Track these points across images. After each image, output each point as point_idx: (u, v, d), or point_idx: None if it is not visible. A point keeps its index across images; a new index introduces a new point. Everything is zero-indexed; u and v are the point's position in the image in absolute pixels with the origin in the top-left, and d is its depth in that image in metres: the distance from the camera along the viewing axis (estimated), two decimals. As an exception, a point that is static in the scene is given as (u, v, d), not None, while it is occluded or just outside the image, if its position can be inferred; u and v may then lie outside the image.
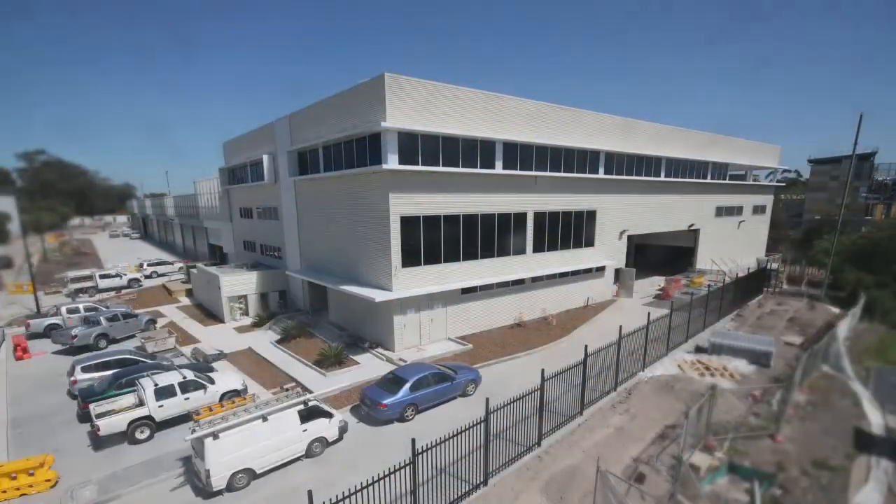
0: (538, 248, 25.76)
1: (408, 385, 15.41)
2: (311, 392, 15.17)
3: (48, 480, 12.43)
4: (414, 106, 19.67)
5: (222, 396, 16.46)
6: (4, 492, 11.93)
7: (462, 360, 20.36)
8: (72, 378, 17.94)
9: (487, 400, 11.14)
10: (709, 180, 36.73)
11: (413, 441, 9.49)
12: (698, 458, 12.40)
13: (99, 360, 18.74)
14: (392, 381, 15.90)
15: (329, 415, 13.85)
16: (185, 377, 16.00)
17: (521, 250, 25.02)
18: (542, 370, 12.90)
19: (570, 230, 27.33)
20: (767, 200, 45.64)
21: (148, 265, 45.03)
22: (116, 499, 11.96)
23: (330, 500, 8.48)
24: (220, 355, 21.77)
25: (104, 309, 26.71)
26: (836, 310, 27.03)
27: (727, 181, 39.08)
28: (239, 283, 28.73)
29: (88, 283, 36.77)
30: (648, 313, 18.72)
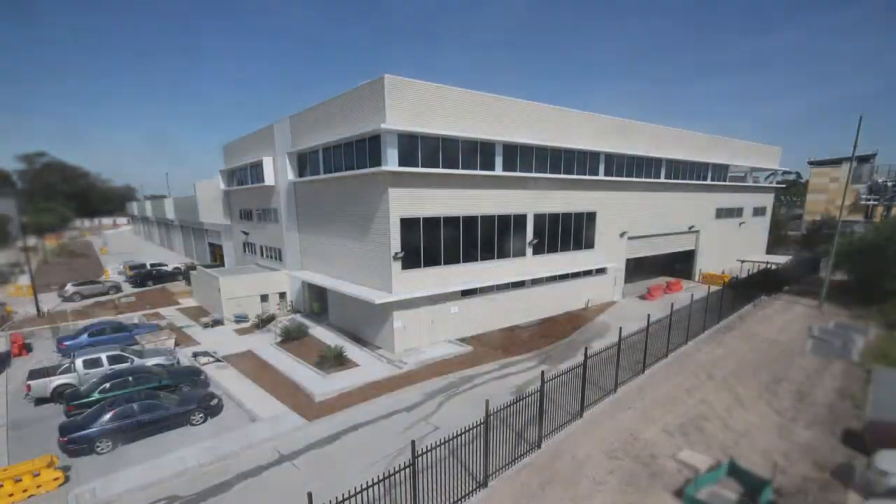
0: (538, 249, 25.76)
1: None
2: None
3: (56, 479, 12.53)
4: (414, 108, 19.70)
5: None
6: (11, 495, 11.94)
7: (462, 362, 20.37)
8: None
9: (487, 402, 11.13)
10: (709, 182, 36.76)
11: (413, 443, 9.49)
12: (697, 459, 12.39)
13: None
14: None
15: None
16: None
17: (520, 252, 25.02)
18: (542, 372, 12.90)
19: (570, 232, 27.33)
20: (768, 202, 45.65)
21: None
22: (117, 500, 11.96)
23: (329, 501, 8.47)
24: (217, 358, 21.70)
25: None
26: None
27: (727, 183, 39.10)
28: (238, 284, 28.74)
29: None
30: (648, 315, 18.70)
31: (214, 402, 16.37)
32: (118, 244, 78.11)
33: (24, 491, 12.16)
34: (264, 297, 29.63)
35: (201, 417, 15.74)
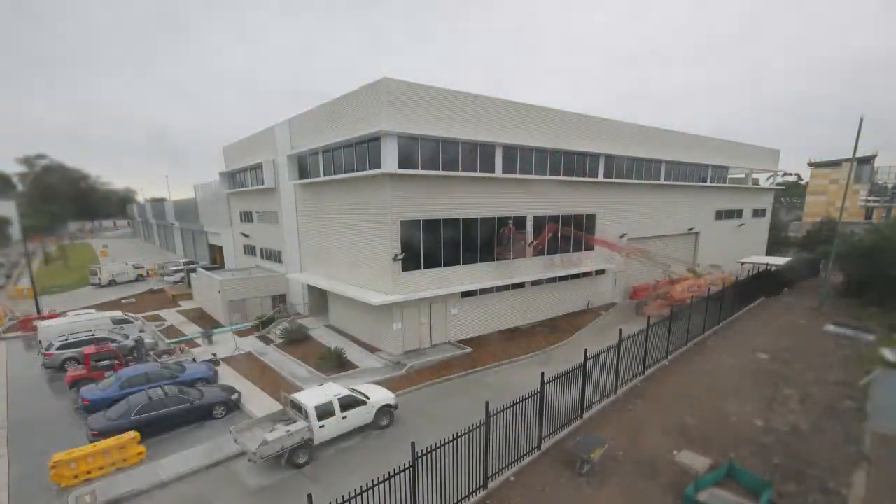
0: (538, 251, 25.75)
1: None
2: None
3: (139, 454, 13.59)
4: (413, 110, 19.73)
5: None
6: (101, 468, 12.95)
7: (463, 364, 20.36)
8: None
9: (487, 403, 11.12)
10: (709, 183, 36.79)
11: (413, 445, 9.48)
12: (697, 461, 12.37)
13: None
14: None
15: None
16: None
17: (520, 253, 25.02)
18: (542, 374, 12.88)
19: (569, 233, 27.32)
20: (767, 203, 45.68)
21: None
22: (121, 501, 11.96)
23: (330, 503, 8.46)
24: (216, 360, 21.68)
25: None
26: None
27: (727, 184, 39.13)
28: (238, 286, 28.77)
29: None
30: (648, 317, 18.71)
31: (235, 395, 17.23)
32: (118, 247, 78.17)
33: (113, 464, 13.13)
34: (264, 300, 29.67)
35: (223, 411, 16.49)
